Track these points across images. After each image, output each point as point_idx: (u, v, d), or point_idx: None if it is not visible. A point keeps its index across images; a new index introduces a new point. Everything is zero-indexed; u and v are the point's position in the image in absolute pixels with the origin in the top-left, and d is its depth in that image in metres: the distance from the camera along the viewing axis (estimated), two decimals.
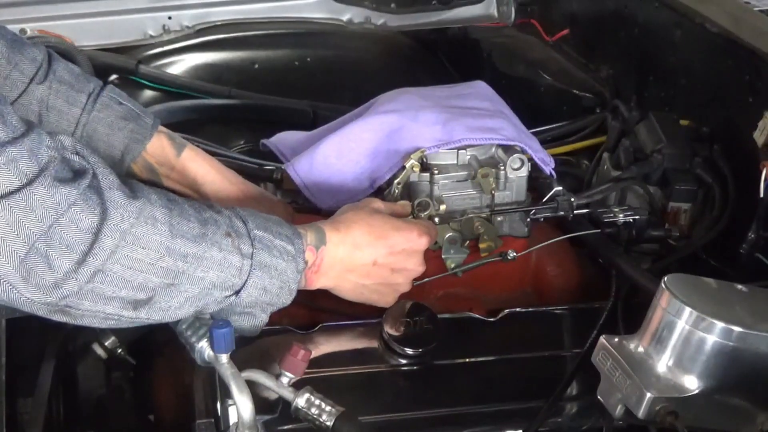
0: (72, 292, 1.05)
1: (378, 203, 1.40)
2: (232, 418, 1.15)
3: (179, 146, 1.52)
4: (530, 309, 1.50)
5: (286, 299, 1.24)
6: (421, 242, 1.37)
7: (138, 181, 1.20)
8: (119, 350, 1.60)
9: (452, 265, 1.48)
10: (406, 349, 1.33)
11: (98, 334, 1.60)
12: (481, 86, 1.73)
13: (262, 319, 1.25)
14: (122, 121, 1.47)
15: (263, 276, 1.20)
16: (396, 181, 1.47)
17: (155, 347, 1.66)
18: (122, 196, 1.08)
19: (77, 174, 1.06)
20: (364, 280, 1.34)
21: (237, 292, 1.19)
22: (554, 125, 1.89)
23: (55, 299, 1.05)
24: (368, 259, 1.32)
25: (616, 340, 1.16)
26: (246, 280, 1.18)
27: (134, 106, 1.51)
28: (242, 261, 1.17)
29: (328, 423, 1.14)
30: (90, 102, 1.46)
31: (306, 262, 1.25)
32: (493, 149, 1.53)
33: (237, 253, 1.17)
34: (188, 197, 1.51)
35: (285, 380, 1.17)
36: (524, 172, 1.51)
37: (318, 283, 1.30)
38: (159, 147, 1.50)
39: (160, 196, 1.14)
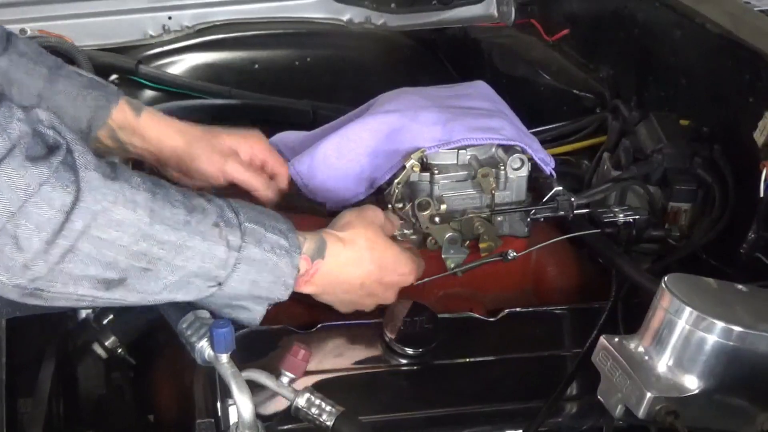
0: (41, 274, 1.03)
1: (379, 214, 1.39)
2: (233, 418, 1.15)
3: (138, 108, 1.50)
4: (530, 309, 1.50)
5: (281, 294, 1.23)
6: (409, 280, 1.39)
7: (105, 151, 1.18)
8: (119, 350, 1.60)
9: (452, 265, 1.48)
10: (406, 349, 1.33)
11: (98, 334, 1.60)
12: (481, 86, 1.73)
13: (258, 311, 1.23)
14: (85, 90, 1.45)
15: (251, 270, 1.18)
16: (396, 181, 1.47)
17: (155, 347, 1.66)
18: (99, 177, 1.05)
19: (51, 150, 1.03)
20: (343, 294, 1.34)
21: (220, 284, 1.17)
22: (554, 125, 1.89)
23: (24, 281, 1.03)
24: (357, 279, 1.32)
25: (616, 340, 1.16)
26: (230, 273, 1.16)
27: (96, 77, 1.49)
28: (228, 253, 1.15)
29: (328, 423, 1.14)
30: (52, 73, 1.43)
31: (298, 269, 1.24)
32: (493, 149, 1.53)
33: (223, 244, 1.15)
34: (153, 166, 1.52)
35: (285, 380, 1.17)
36: (524, 172, 1.51)
37: (304, 289, 1.29)
38: (121, 112, 1.47)
39: (145, 180, 1.11)
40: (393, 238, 1.42)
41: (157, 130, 1.50)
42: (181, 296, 1.16)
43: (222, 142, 1.53)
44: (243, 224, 1.17)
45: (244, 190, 1.53)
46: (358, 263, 1.31)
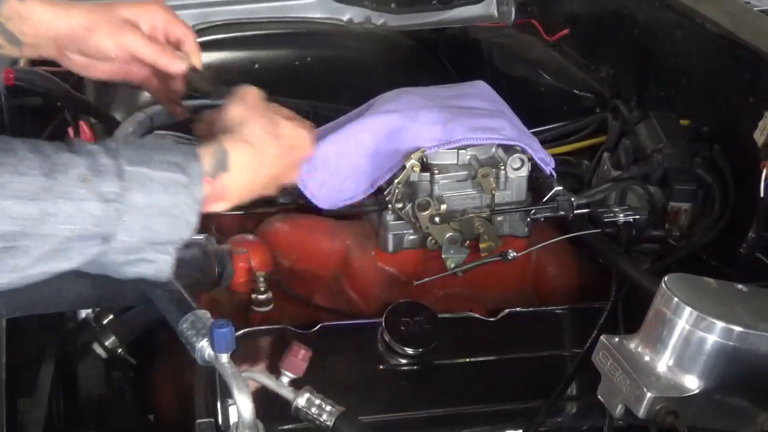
0: None
1: (254, 91, 1.30)
2: (233, 418, 1.16)
3: None
4: (530, 309, 1.50)
5: (184, 233, 1.13)
6: (308, 141, 1.33)
7: None
8: (119, 350, 1.60)
9: (452, 265, 1.48)
10: (406, 349, 1.33)
11: (98, 334, 1.60)
12: (481, 86, 1.72)
13: (163, 260, 1.13)
14: None
15: (138, 217, 1.07)
16: (396, 181, 1.47)
17: (155, 347, 1.66)
18: None
19: None
20: (257, 190, 1.25)
21: (106, 240, 1.07)
22: (554, 125, 1.89)
23: None
24: (268, 172, 1.24)
25: (616, 340, 1.16)
26: (115, 226, 1.06)
27: None
28: (105, 206, 1.05)
29: (328, 423, 1.14)
30: None
31: (201, 201, 1.12)
32: (494, 149, 1.53)
33: (96, 199, 1.04)
34: (53, 58, 1.40)
35: (285, 380, 1.17)
36: (524, 171, 1.51)
37: (215, 208, 1.18)
38: (6, 4, 1.34)
39: None
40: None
41: (46, 12, 1.36)
42: (65, 264, 1.07)
43: (119, 15, 1.39)
44: (122, 169, 1.07)
45: (151, 66, 1.41)
46: (265, 157, 1.22)
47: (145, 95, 2.12)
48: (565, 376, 1.30)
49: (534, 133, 1.65)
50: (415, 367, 1.34)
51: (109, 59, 1.38)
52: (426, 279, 1.46)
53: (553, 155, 1.60)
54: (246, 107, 1.26)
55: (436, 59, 2.47)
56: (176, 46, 1.42)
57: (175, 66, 1.39)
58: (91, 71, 1.40)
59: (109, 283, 1.28)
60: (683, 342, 1.10)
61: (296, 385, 1.18)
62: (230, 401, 1.15)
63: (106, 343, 1.59)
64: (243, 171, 1.18)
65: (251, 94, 1.29)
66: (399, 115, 1.55)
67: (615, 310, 1.39)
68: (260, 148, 1.22)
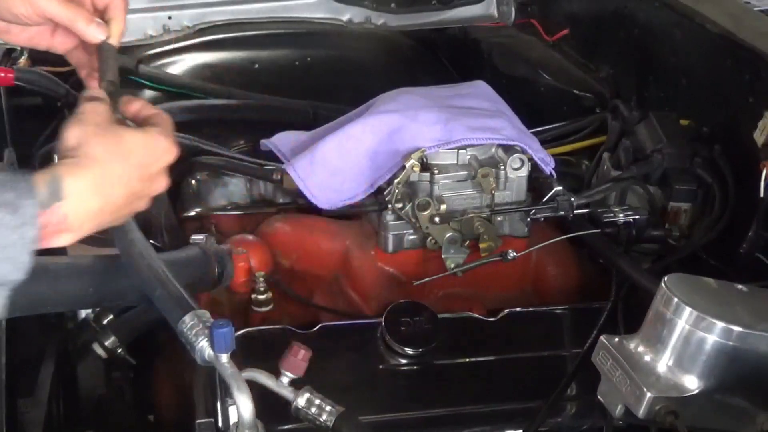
0: None
1: (98, 107, 1.15)
2: (233, 418, 1.16)
3: None
4: (530, 309, 1.50)
5: (17, 275, 1.04)
6: (171, 154, 1.16)
7: None
8: (119, 350, 1.60)
9: (452, 265, 1.48)
10: (406, 349, 1.33)
11: (98, 334, 1.60)
12: (481, 86, 1.73)
13: None
14: None
15: None
16: (396, 181, 1.47)
17: (155, 347, 1.66)
18: None
19: None
20: (112, 216, 1.13)
21: None
22: (554, 125, 1.89)
23: None
24: (120, 193, 1.11)
25: (616, 340, 1.16)
26: None
27: None
28: None
29: (328, 423, 1.14)
30: None
31: (35, 238, 1.03)
32: (494, 149, 1.53)
33: None
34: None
35: (285, 380, 1.17)
36: (524, 172, 1.52)
37: (58, 242, 1.08)
38: None
39: None
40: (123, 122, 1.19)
41: None
42: None
43: None
44: None
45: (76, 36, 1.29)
46: (110, 177, 1.10)
47: (145, 95, 2.13)
48: (565, 376, 1.30)
49: (534, 133, 1.65)
50: (415, 367, 1.34)
51: (25, 24, 1.27)
52: (426, 279, 1.46)
53: (553, 155, 1.60)
54: (83, 127, 1.12)
55: (436, 59, 2.47)
56: (102, 9, 1.29)
57: (91, 33, 1.26)
58: (8, 37, 1.30)
59: (109, 283, 1.28)
60: (683, 342, 1.10)
61: (296, 385, 1.17)
62: (230, 401, 1.14)
63: (106, 343, 1.59)
64: (84, 197, 1.07)
65: (90, 111, 1.15)
66: (399, 115, 1.55)
67: (615, 310, 1.39)
68: (103, 170, 1.10)
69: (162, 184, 1.17)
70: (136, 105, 1.21)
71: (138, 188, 1.14)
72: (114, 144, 1.11)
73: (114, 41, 1.27)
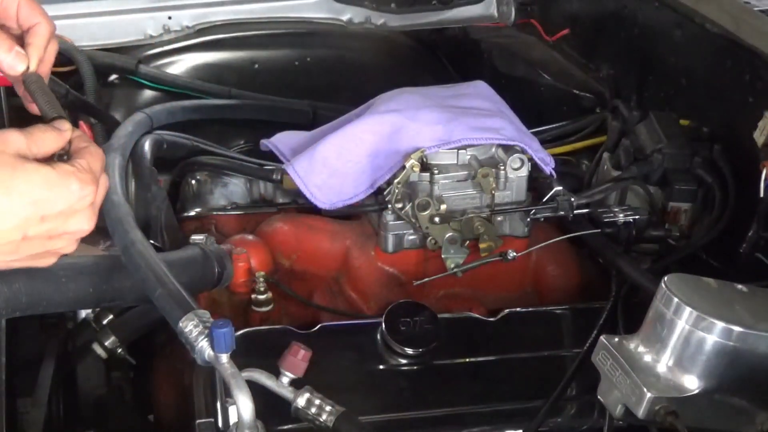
0: None
1: (14, 140, 1.06)
2: (232, 418, 1.15)
3: None
4: (530, 309, 1.50)
5: None
6: (84, 195, 1.02)
7: None
8: (119, 350, 1.60)
9: (452, 265, 1.48)
10: (406, 349, 1.33)
11: (98, 334, 1.60)
12: (481, 86, 1.73)
13: None
14: None
15: None
16: (396, 181, 1.47)
17: (155, 347, 1.66)
18: None
19: None
20: (11, 256, 1.02)
21: None
22: (554, 125, 1.89)
23: None
24: (15, 235, 0.99)
25: (616, 339, 1.16)
26: None
27: None
28: None
29: (328, 423, 1.14)
30: None
31: None
32: (493, 149, 1.53)
33: None
34: None
35: (285, 380, 1.17)
36: (524, 172, 1.52)
37: None
38: None
39: None
40: (50, 159, 1.05)
41: None
42: None
43: None
44: None
45: None
46: (2, 217, 0.98)
47: (145, 95, 2.13)
48: (565, 376, 1.30)
49: (534, 133, 1.65)
50: (415, 367, 1.34)
51: None
52: (426, 279, 1.46)
53: (553, 155, 1.60)
54: None
55: (436, 59, 2.47)
56: (23, 31, 1.21)
57: (8, 63, 1.15)
58: None
59: (109, 283, 1.28)
60: (683, 342, 1.10)
61: (296, 385, 1.17)
62: (230, 401, 1.14)
63: (106, 343, 1.59)
64: None
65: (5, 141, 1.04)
66: (399, 114, 1.55)
67: (615, 310, 1.39)
68: None
69: (82, 224, 1.03)
70: (68, 136, 1.08)
71: (43, 228, 1.01)
72: (5, 176, 0.99)
73: (35, 68, 1.15)
